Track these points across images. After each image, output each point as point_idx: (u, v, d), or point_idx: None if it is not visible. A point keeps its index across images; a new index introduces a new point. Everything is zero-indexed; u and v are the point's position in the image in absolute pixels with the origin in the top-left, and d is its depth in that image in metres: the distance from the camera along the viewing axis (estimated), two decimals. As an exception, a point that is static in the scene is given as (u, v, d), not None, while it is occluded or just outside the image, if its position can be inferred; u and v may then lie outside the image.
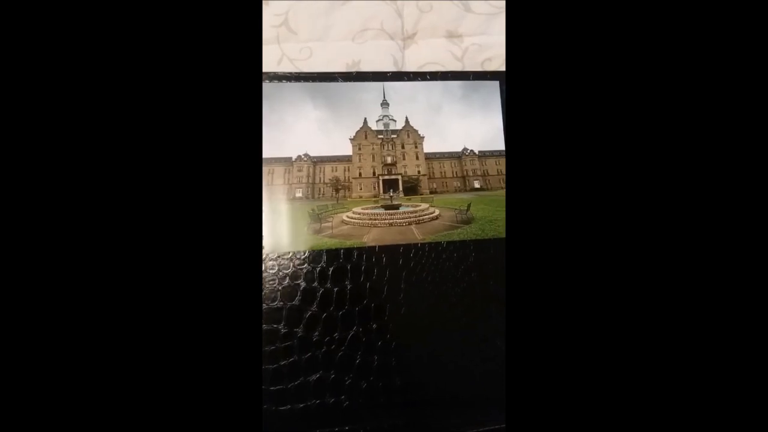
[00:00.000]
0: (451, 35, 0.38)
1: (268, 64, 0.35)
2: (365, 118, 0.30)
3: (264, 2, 0.37)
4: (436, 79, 0.31)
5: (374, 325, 0.27)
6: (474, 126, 0.31)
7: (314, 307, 0.27)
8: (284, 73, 0.30)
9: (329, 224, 0.28)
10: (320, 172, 0.29)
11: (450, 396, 0.27)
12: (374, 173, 0.30)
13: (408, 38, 0.38)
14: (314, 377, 0.27)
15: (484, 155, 0.31)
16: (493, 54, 0.38)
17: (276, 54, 0.36)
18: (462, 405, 0.28)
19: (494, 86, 0.31)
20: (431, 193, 0.30)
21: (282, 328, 0.27)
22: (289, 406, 0.26)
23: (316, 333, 0.27)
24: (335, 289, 0.28)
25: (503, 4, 0.38)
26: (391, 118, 0.30)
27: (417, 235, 0.29)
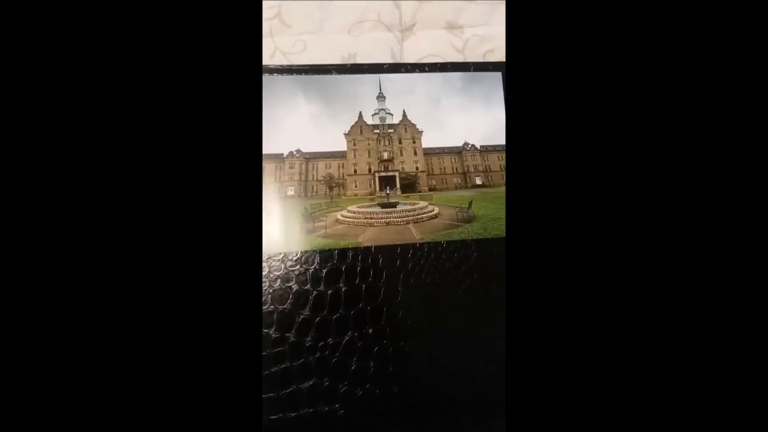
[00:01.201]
0: (452, 26, 0.37)
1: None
2: (360, 112, 0.28)
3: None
4: (434, 71, 0.30)
5: (370, 330, 0.26)
6: (475, 119, 0.29)
7: (306, 311, 0.26)
8: (275, 66, 0.29)
9: (323, 223, 0.27)
10: (313, 168, 0.28)
11: (450, 399, 0.26)
12: (370, 170, 0.29)
13: (406, 30, 0.36)
14: (307, 384, 0.25)
15: (486, 150, 0.29)
16: (496, 45, 0.36)
17: (269, 47, 0.34)
18: (463, 408, 0.26)
19: (496, 78, 0.30)
20: (430, 190, 0.29)
21: (273, 333, 0.26)
22: (280, 415, 0.25)
23: (309, 338, 0.26)
24: (329, 292, 0.26)
25: (506, -8, 0.37)
26: (387, 111, 0.29)
27: (415, 234, 0.27)
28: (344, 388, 0.25)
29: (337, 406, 0.25)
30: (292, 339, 0.26)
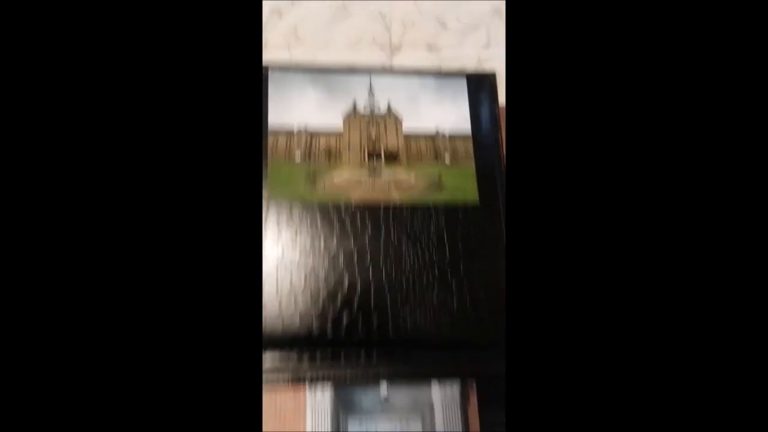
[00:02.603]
0: (432, 48, 0.46)
1: (279, 62, 0.42)
2: (355, 102, 0.36)
3: (277, 16, 0.45)
4: (415, 75, 0.38)
5: (356, 269, 0.32)
6: (445, 113, 0.37)
7: (307, 256, 0.32)
8: (291, 65, 0.37)
9: (322, 184, 0.34)
10: (316, 141, 0.35)
11: (426, 337, 0.32)
12: (361, 145, 0.36)
13: (395, 49, 0.45)
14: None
15: (453, 137, 0.37)
16: (466, 63, 0.45)
17: (286, 57, 0.43)
18: (438, 346, 0.32)
19: (462, 82, 0.38)
20: (409, 164, 0.36)
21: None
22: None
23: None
24: (323, 239, 0.33)
25: (475, 22, 0.46)
26: (376, 103, 0.37)
27: (395, 197, 0.34)
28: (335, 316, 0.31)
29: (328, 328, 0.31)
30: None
